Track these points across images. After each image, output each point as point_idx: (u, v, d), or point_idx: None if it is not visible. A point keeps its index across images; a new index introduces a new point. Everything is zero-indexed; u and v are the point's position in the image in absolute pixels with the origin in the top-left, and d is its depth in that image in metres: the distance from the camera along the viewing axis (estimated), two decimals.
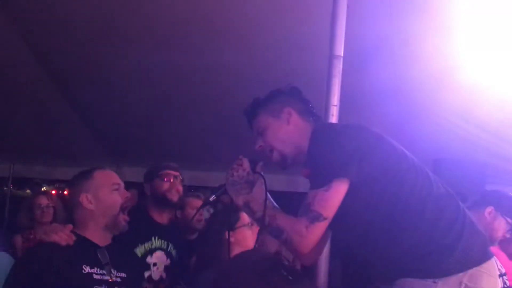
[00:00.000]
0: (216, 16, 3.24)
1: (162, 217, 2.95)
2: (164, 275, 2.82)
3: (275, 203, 1.96)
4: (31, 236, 3.99)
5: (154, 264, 2.81)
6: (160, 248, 2.85)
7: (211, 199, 2.05)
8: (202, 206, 3.09)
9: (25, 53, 3.81)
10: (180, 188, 3.00)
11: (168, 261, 2.85)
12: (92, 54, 3.79)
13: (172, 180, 2.95)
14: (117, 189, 2.18)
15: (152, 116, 4.70)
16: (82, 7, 3.29)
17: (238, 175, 1.98)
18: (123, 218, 2.17)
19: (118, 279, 2.13)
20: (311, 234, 1.76)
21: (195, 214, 3.32)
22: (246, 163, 2.00)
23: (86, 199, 2.15)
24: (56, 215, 4.10)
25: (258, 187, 1.96)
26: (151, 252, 2.82)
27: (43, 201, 4.08)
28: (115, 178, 2.23)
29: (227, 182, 1.99)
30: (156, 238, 2.84)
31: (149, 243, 2.83)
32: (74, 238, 2.08)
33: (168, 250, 2.87)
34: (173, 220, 3.08)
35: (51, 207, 4.09)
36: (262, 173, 1.99)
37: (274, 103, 2.02)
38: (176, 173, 2.99)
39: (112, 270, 2.12)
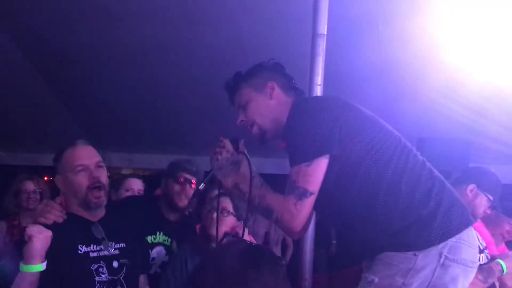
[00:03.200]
0: None
1: (171, 215, 2.91)
2: (159, 271, 2.78)
3: (262, 181, 1.94)
4: (16, 222, 3.93)
5: (152, 259, 2.78)
6: (162, 244, 2.82)
7: (200, 187, 2.03)
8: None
9: (7, 40, 3.74)
10: (191, 193, 2.88)
11: (167, 258, 2.82)
12: (75, 39, 3.74)
13: (183, 183, 2.86)
14: (82, 170, 2.10)
15: (137, 100, 4.66)
16: None
17: (222, 158, 1.97)
18: (93, 196, 2.10)
19: (117, 251, 2.12)
20: (300, 211, 1.77)
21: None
22: (228, 144, 1.99)
23: (59, 181, 2.15)
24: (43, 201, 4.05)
25: (245, 166, 1.95)
26: (152, 246, 2.79)
27: (30, 186, 4.02)
28: (81, 159, 2.12)
29: (213, 167, 1.98)
30: (161, 233, 2.82)
31: (152, 237, 2.80)
32: (65, 215, 2.07)
33: (171, 247, 2.85)
34: (183, 218, 2.99)
35: (37, 193, 4.03)
36: (245, 152, 1.98)
37: (257, 77, 2.01)
38: (192, 178, 2.89)
39: (109, 243, 2.11)
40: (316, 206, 1.82)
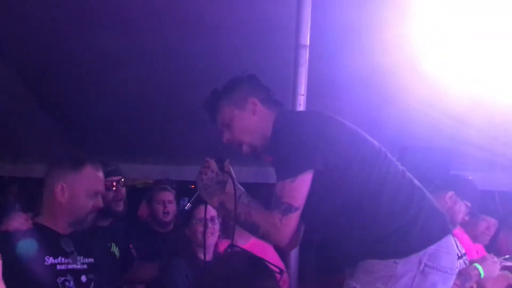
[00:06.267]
0: (185, 4, 3.23)
1: (104, 221, 2.76)
2: None
3: (249, 198, 1.97)
4: None
5: None
6: None
7: (186, 207, 2.10)
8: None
9: None
10: (124, 192, 2.76)
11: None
12: (58, 46, 3.72)
13: (114, 187, 2.69)
14: (96, 196, 2.13)
15: (125, 110, 4.64)
16: None
17: (207, 178, 2.00)
18: (91, 218, 2.15)
19: (85, 266, 2.10)
20: (285, 226, 1.80)
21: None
22: (213, 164, 2.02)
23: (61, 190, 2.07)
24: None
25: (231, 185, 1.98)
26: None
27: None
28: (101, 185, 2.16)
29: (199, 187, 2.01)
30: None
31: None
32: (30, 225, 2.04)
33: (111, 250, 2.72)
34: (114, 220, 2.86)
35: None
36: (231, 171, 2.01)
37: (236, 94, 2.01)
38: (117, 177, 2.72)
39: (78, 258, 2.09)
40: (303, 218, 1.85)
